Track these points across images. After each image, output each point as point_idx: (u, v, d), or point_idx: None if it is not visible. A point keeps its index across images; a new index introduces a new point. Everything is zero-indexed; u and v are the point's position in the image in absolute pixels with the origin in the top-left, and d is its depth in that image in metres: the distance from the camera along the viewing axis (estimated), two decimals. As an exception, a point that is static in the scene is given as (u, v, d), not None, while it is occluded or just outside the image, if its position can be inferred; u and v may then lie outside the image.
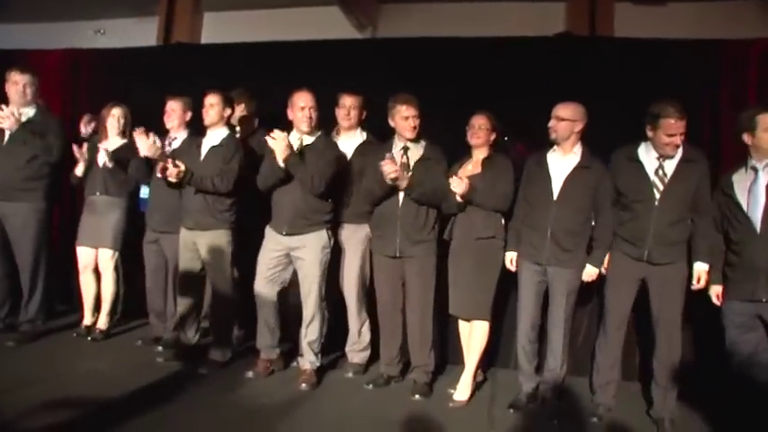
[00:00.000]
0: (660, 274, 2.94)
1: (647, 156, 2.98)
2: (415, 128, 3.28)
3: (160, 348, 3.74)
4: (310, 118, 3.31)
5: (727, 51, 3.87)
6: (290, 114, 3.37)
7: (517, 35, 4.21)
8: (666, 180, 2.92)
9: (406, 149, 3.31)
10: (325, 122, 3.58)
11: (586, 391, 3.27)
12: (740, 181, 2.83)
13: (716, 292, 2.90)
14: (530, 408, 3.16)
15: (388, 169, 3.12)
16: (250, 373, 3.44)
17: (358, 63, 4.20)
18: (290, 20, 5.20)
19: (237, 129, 3.84)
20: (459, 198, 3.13)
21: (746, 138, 2.82)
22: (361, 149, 3.52)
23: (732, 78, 3.86)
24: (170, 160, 3.44)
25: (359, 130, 3.60)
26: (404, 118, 3.27)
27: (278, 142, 3.21)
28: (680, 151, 2.93)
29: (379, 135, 3.53)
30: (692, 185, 2.90)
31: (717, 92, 3.84)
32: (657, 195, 2.92)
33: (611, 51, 4.08)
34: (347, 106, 3.53)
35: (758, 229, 2.72)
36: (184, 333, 3.69)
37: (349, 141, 3.57)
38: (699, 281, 2.92)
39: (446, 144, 3.42)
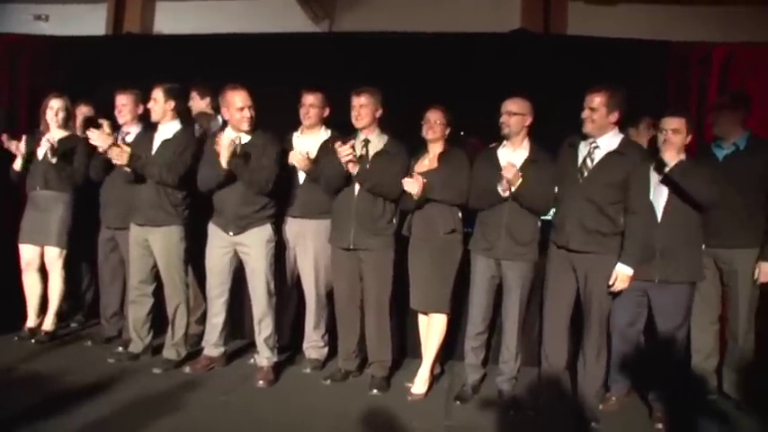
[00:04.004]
0: (585, 263, 2.97)
1: (583, 143, 3.04)
2: (357, 117, 3.27)
3: (120, 349, 3.65)
4: (251, 118, 3.28)
5: (673, 52, 4.04)
6: (225, 113, 3.32)
7: (474, 31, 4.27)
8: (591, 167, 2.96)
9: (366, 142, 3.31)
10: (283, 119, 3.55)
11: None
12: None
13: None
14: (486, 399, 3.22)
15: (343, 151, 3.11)
16: (187, 369, 3.42)
17: (314, 57, 4.16)
18: (245, 10, 5.09)
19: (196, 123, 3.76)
20: (414, 197, 3.14)
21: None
22: (325, 146, 3.48)
23: (678, 78, 4.03)
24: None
25: (322, 127, 3.58)
26: (351, 107, 3.28)
27: (227, 145, 3.16)
28: (614, 143, 2.96)
29: (344, 131, 3.49)
30: (617, 177, 2.89)
31: (663, 90, 4.00)
32: (581, 181, 2.96)
33: (564, 49, 4.19)
34: (306, 104, 3.51)
35: (659, 218, 2.93)
36: (136, 332, 3.60)
37: (313, 139, 3.54)
38: (615, 282, 2.90)
39: (402, 139, 3.43)
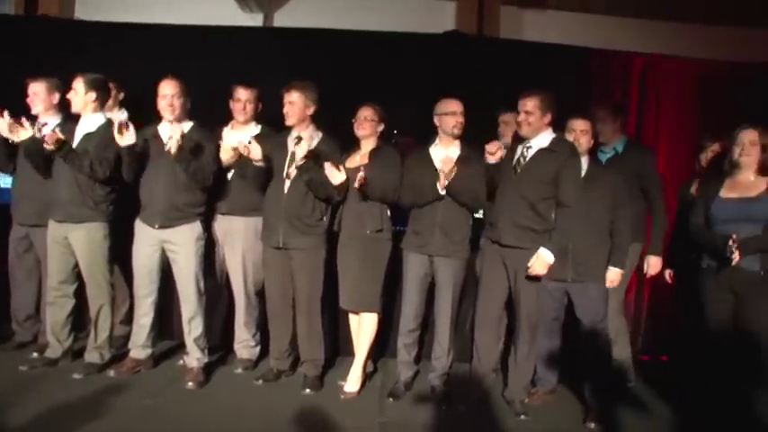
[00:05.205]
0: (516, 258, 3.01)
1: (520, 144, 3.10)
2: (286, 114, 3.25)
3: (35, 355, 3.44)
4: (171, 106, 3.22)
5: (598, 59, 4.26)
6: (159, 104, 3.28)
7: (409, 31, 4.32)
8: (523, 164, 3.03)
9: (299, 139, 3.26)
10: (212, 112, 3.46)
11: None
12: None
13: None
14: (419, 395, 3.28)
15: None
16: (112, 372, 3.29)
17: (247, 51, 4.09)
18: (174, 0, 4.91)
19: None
20: (356, 186, 3.12)
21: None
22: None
23: (601, 83, 4.25)
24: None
25: (253, 122, 3.54)
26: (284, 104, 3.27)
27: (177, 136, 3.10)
28: (545, 141, 3.03)
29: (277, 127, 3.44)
30: (548, 174, 2.96)
31: (588, 94, 4.19)
32: (514, 178, 3.02)
33: (496, 51, 4.32)
34: (242, 99, 3.44)
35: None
36: (55, 336, 3.40)
37: (244, 134, 3.46)
38: (533, 264, 2.94)
39: (337, 136, 3.41)
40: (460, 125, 3.18)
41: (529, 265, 2.96)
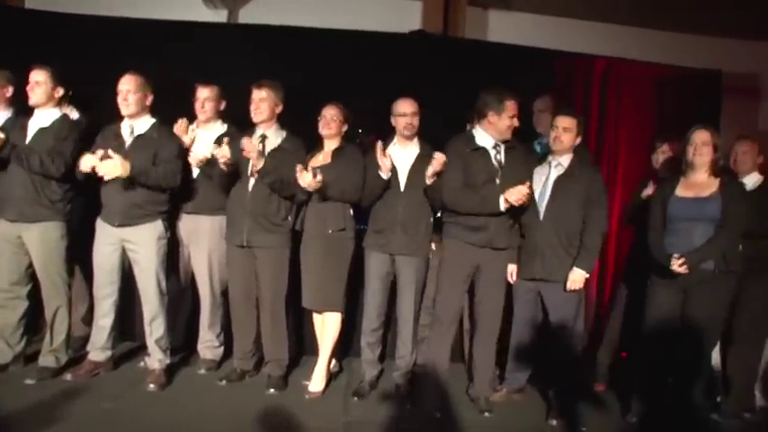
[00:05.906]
0: (491, 260, 3.05)
1: (486, 143, 3.05)
2: (255, 110, 3.22)
3: None
4: (126, 101, 3.16)
5: (560, 61, 4.34)
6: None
7: (375, 30, 4.32)
8: (502, 165, 3.04)
9: (263, 138, 3.25)
10: (176, 111, 3.41)
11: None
12: (538, 173, 3.14)
13: (510, 270, 3.19)
14: (384, 394, 3.29)
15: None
16: (68, 376, 3.20)
17: (211, 48, 4.02)
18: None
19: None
20: (308, 189, 3.10)
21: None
22: (220, 141, 3.36)
23: (563, 84, 4.34)
24: None
25: (219, 121, 3.49)
26: (251, 100, 3.23)
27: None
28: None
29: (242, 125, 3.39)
30: (521, 172, 3.02)
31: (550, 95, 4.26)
32: (498, 181, 3.00)
33: (461, 51, 4.36)
34: (201, 99, 3.40)
35: (541, 217, 3.06)
36: (5, 340, 3.28)
37: (208, 133, 3.44)
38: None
39: (300, 135, 3.38)
40: (411, 127, 3.18)
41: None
